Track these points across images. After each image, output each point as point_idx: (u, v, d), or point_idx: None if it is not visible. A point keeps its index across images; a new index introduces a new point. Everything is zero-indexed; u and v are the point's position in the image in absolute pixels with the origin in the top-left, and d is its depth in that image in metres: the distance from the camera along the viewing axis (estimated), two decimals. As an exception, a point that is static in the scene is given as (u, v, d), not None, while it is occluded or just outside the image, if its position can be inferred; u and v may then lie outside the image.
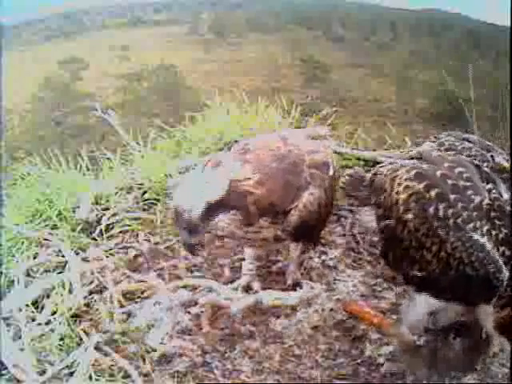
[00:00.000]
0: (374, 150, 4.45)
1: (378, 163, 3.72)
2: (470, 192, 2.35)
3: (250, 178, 2.53)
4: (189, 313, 2.80)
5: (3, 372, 2.47)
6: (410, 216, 2.40)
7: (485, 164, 2.90)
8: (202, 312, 2.79)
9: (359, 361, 2.63)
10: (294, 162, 2.69)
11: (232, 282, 3.03)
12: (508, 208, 2.30)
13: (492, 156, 2.95)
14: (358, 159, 4.23)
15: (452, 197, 2.33)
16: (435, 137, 3.16)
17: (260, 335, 2.74)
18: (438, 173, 2.44)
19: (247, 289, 2.97)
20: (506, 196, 2.38)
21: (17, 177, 3.87)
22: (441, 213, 2.32)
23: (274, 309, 2.84)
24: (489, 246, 2.23)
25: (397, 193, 2.50)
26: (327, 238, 3.44)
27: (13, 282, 2.96)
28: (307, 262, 3.20)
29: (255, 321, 2.81)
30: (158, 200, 3.77)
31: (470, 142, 3.11)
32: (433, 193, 2.36)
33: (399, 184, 2.50)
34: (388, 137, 4.67)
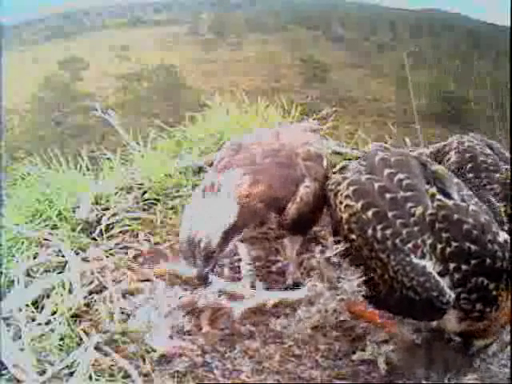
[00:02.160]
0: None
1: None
2: (410, 204, 2.27)
3: (243, 183, 2.51)
4: (188, 313, 2.79)
5: (3, 372, 2.46)
6: (353, 236, 2.36)
7: (497, 175, 2.90)
8: (201, 312, 2.78)
9: (359, 361, 2.63)
10: (288, 156, 2.71)
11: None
12: (457, 216, 2.21)
13: (506, 169, 2.95)
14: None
15: (390, 214, 2.26)
16: (461, 136, 3.13)
17: (260, 335, 2.73)
18: (376, 186, 2.36)
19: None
20: (455, 196, 2.30)
21: (17, 177, 3.87)
22: (379, 234, 2.25)
23: (274, 309, 2.84)
24: (429, 268, 2.16)
25: (340, 210, 2.45)
26: (328, 238, 3.43)
27: (13, 282, 2.95)
28: (307, 262, 3.19)
29: (255, 321, 2.80)
30: (158, 200, 3.76)
31: (491, 148, 3.12)
32: (370, 213, 2.30)
33: (341, 202, 2.46)
34: (388, 137, 4.67)
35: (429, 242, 2.19)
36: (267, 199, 2.54)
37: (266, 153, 2.68)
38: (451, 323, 2.27)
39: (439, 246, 2.18)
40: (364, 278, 2.39)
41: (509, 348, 2.60)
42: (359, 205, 2.35)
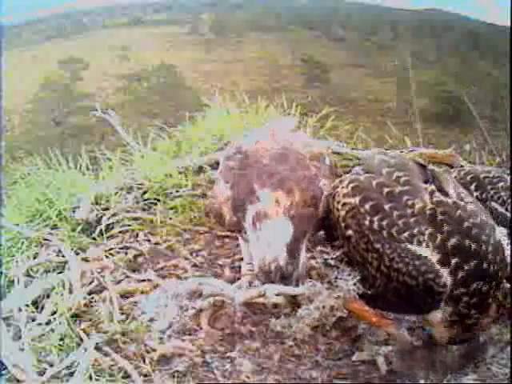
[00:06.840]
0: (374, 150, 4.44)
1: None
2: (406, 197, 2.32)
3: (280, 199, 2.55)
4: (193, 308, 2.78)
5: (3, 372, 2.46)
6: (350, 232, 2.40)
7: (501, 183, 2.90)
8: (202, 310, 2.77)
9: (359, 361, 2.63)
10: (297, 159, 2.75)
11: (232, 282, 3.02)
12: (458, 212, 2.24)
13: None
14: (358, 159, 4.22)
15: (387, 206, 2.31)
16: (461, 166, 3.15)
17: (260, 335, 2.73)
18: (374, 182, 2.42)
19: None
20: (453, 194, 2.35)
21: (17, 177, 3.87)
22: (375, 225, 2.30)
23: (274, 309, 2.83)
24: (425, 253, 2.19)
25: (337, 210, 2.49)
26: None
27: (13, 282, 2.95)
28: (307, 262, 3.19)
29: (255, 321, 2.80)
30: (158, 200, 3.76)
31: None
32: (367, 206, 2.35)
33: (338, 202, 2.50)
34: (388, 137, 4.68)
35: (427, 232, 2.22)
36: (309, 200, 2.57)
37: (275, 159, 2.71)
38: (439, 328, 2.30)
39: (439, 237, 2.20)
40: (360, 275, 2.41)
41: (509, 348, 2.61)
42: (357, 200, 2.39)
